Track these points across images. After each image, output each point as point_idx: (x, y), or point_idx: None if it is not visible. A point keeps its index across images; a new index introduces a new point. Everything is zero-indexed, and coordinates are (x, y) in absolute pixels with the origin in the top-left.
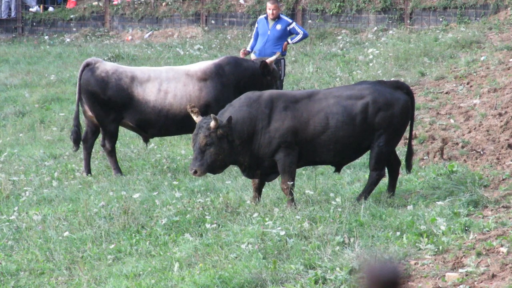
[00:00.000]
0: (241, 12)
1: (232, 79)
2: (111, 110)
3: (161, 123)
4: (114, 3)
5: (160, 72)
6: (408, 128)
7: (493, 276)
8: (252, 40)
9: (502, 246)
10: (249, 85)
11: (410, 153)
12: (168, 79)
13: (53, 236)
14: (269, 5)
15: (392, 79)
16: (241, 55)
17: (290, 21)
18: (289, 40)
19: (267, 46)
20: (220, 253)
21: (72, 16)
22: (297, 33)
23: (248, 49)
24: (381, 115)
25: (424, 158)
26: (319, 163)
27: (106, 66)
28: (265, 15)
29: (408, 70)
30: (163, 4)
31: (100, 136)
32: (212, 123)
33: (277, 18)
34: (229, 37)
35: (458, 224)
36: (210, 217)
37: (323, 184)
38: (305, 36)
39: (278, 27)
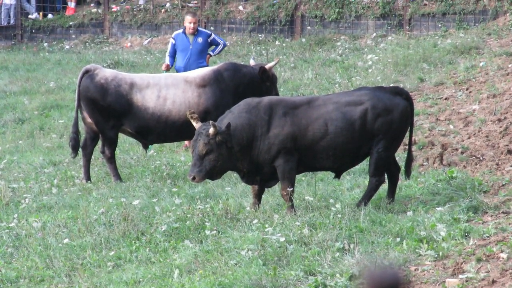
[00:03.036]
0: (240, 19)
1: (231, 85)
2: (110, 116)
3: (160, 129)
4: (113, 10)
5: (159, 79)
6: (407, 134)
7: (493, 282)
8: (168, 58)
9: (502, 252)
10: (248, 91)
11: (409, 159)
12: (167, 86)
13: (53, 243)
14: (190, 19)
15: (391, 85)
16: (163, 68)
17: (209, 32)
18: (210, 52)
19: (191, 61)
20: (220, 259)
21: (71, 23)
22: (218, 44)
23: (170, 52)
24: (380, 121)
25: (424, 164)
26: (319, 169)
27: (105, 73)
28: (181, 30)
29: (407, 76)
30: (162, 11)
31: (100, 143)
32: (211, 130)
33: (196, 32)
34: (228, 44)
35: (458, 230)
36: (210, 224)
37: (323, 190)
38: (224, 46)
39: (200, 40)
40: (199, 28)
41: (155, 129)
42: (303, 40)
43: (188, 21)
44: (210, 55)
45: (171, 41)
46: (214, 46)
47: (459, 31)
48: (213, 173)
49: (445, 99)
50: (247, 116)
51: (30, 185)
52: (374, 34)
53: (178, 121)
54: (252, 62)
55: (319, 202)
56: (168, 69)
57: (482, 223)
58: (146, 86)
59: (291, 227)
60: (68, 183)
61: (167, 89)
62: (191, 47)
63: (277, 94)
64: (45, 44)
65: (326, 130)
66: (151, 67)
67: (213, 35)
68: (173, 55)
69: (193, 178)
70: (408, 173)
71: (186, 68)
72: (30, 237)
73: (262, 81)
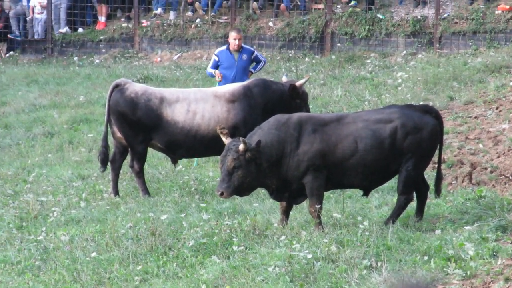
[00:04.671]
0: (270, 35)
1: (260, 101)
2: (140, 131)
3: (189, 144)
4: (143, 24)
5: (188, 93)
6: (437, 152)
7: None
8: (211, 70)
9: None
10: (278, 108)
11: (439, 178)
12: (197, 100)
13: (81, 256)
14: (235, 35)
15: (421, 103)
16: (219, 79)
17: (252, 49)
18: (251, 69)
19: (237, 78)
20: (247, 275)
21: (101, 37)
22: (259, 61)
23: (212, 68)
24: (409, 139)
25: (453, 182)
26: (347, 187)
27: (135, 87)
28: (225, 47)
29: (437, 94)
30: (192, 26)
31: (129, 157)
32: (241, 146)
33: (241, 48)
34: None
35: (486, 249)
36: (237, 240)
37: (351, 207)
38: (265, 63)
39: (244, 57)
40: (243, 45)
41: (184, 144)
42: (333, 57)
43: (233, 37)
44: (252, 72)
45: (214, 57)
46: (255, 63)
47: (490, 50)
48: (241, 189)
49: (475, 117)
50: (277, 132)
51: (58, 198)
52: (404, 52)
53: (207, 136)
54: (284, 79)
55: (347, 219)
56: (221, 76)
57: (511, 243)
58: (176, 101)
59: (319, 244)
60: (96, 197)
61: (196, 103)
62: (236, 64)
63: (308, 111)
64: (75, 58)
65: (355, 148)
66: (181, 82)
67: (255, 53)
68: (215, 68)
69: (221, 194)
70: (438, 192)
71: None
72: (57, 251)
73: (292, 98)
